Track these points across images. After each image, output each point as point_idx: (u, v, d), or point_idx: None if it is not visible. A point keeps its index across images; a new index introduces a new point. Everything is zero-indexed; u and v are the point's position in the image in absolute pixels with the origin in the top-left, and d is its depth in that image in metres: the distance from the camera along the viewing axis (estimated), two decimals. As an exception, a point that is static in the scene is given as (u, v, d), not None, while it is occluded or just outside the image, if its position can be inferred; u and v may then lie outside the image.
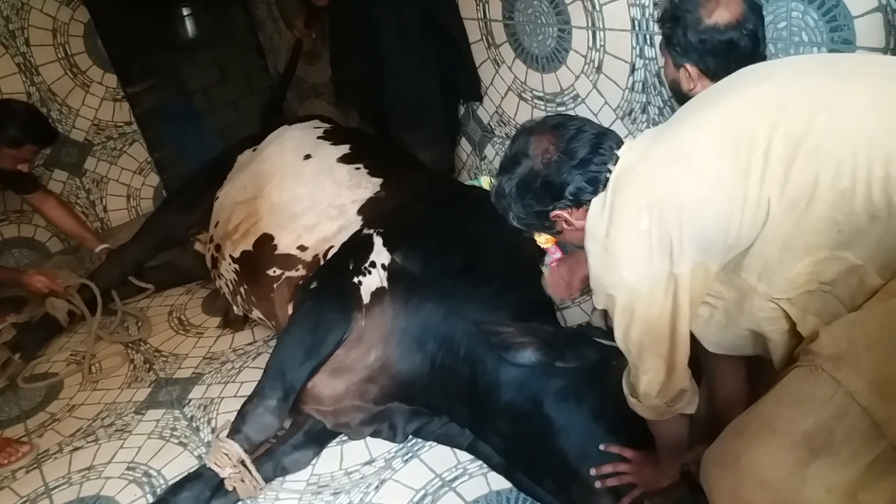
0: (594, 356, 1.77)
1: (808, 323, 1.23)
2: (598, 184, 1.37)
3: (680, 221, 1.23)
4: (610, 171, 1.37)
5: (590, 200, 1.38)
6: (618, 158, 1.37)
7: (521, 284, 2.10)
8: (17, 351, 2.77)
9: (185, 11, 3.96)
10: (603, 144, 1.39)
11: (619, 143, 1.41)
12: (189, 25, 4.01)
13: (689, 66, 1.62)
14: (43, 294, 2.85)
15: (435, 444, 2.07)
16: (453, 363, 1.95)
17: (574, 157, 1.39)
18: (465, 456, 2.01)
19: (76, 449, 2.30)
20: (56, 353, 2.85)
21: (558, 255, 2.52)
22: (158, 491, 2.04)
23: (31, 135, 2.76)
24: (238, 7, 4.12)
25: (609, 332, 1.71)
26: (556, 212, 1.42)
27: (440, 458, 2.03)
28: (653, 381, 1.37)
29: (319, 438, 2.10)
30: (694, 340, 1.44)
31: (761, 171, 1.18)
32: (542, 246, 2.40)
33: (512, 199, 1.46)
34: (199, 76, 4.05)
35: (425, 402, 2.05)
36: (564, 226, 1.45)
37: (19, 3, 3.34)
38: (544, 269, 2.42)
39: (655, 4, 1.99)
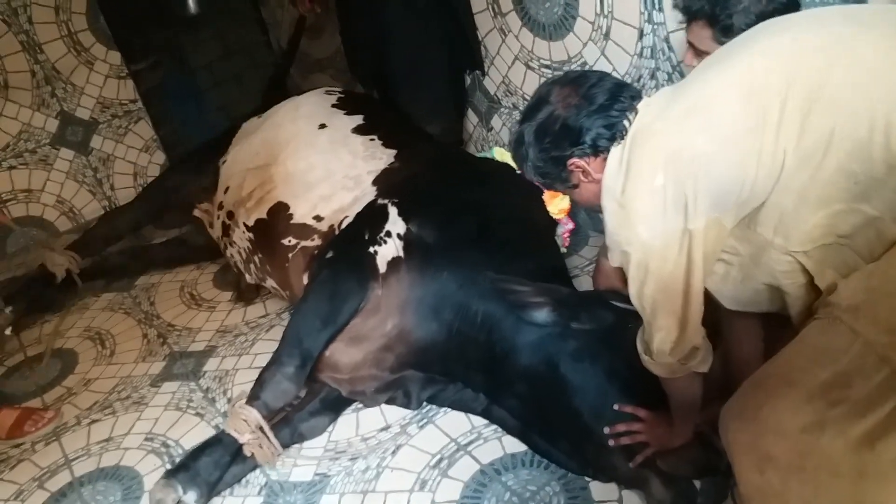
0: (610, 318, 1.79)
1: (826, 276, 1.24)
2: (615, 131, 1.39)
3: (695, 176, 1.24)
4: (628, 121, 1.38)
5: (607, 150, 1.39)
6: (636, 112, 1.38)
7: (535, 252, 2.12)
8: (10, 304, 2.77)
9: (187, -13, 3.94)
10: (622, 94, 1.40)
11: (639, 96, 1.42)
12: (191, 1, 3.99)
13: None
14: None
15: (449, 409, 2.10)
16: (470, 330, 1.96)
17: (593, 103, 1.41)
18: (479, 421, 2.03)
19: (94, 421, 2.33)
20: (70, 328, 2.86)
21: (570, 225, 2.54)
22: (177, 459, 2.07)
23: None
24: (239, -19, 4.09)
25: (625, 296, 1.73)
26: (574, 160, 1.43)
27: (455, 423, 2.05)
28: (666, 339, 1.38)
29: (335, 406, 2.13)
30: (711, 302, 1.46)
31: (777, 124, 1.18)
32: (554, 216, 2.42)
33: (530, 144, 1.47)
34: (201, 52, 4.04)
35: (441, 370, 2.07)
36: (582, 178, 1.46)
37: (21, -20, 3.32)
38: (558, 240, 2.43)
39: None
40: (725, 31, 1.60)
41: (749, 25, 1.53)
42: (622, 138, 1.39)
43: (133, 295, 3.00)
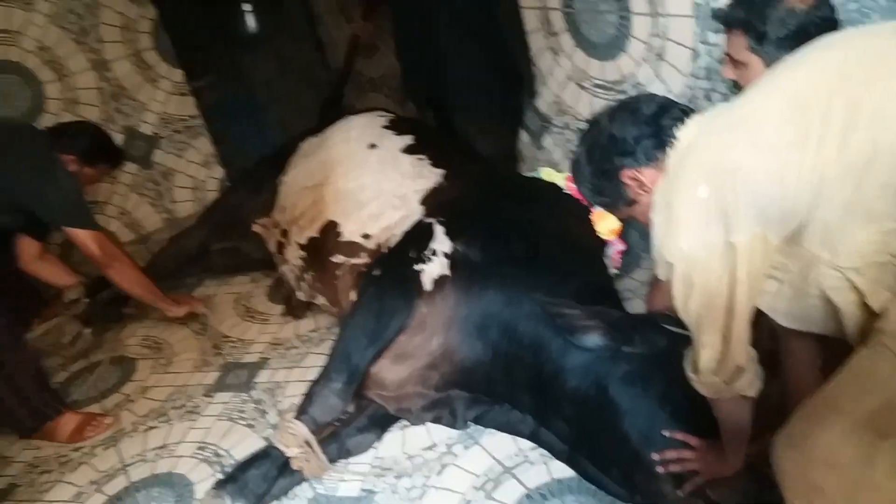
0: (662, 342, 1.76)
1: (880, 297, 1.20)
2: (664, 139, 1.39)
3: (736, 188, 1.23)
4: (678, 131, 1.38)
5: (658, 159, 1.40)
6: (687, 126, 1.39)
7: (584, 272, 2.11)
8: (89, 325, 2.91)
9: (246, 7, 4.06)
10: (671, 108, 1.42)
11: (690, 112, 1.42)
12: (250, 20, 4.12)
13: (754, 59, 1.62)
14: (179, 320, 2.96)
15: (495, 431, 2.09)
16: (516, 350, 1.96)
17: (639, 114, 1.44)
18: (525, 444, 2.03)
19: (150, 428, 2.40)
20: (129, 337, 2.96)
21: (621, 246, 2.51)
22: (227, 469, 2.11)
23: (105, 152, 2.91)
24: (297, 2, 4.19)
25: (678, 320, 1.71)
26: (626, 170, 1.44)
27: (501, 445, 2.05)
28: (711, 357, 1.37)
29: (382, 422, 2.15)
30: (773, 330, 1.43)
31: (819, 137, 1.17)
32: (604, 236, 2.40)
33: (584, 164, 1.50)
34: (260, 70, 4.15)
35: (486, 390, 2.07)
36: (638, 191, 1.46)
37: (91, 1, 3.47)
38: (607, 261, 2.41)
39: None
40: (759, 39, 1.59)
41: (786, 37, 1.54)
42: (672, 148, 1.39)
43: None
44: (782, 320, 1.43)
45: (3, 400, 2.32)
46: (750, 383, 1.43)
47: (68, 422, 2.41)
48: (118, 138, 3.65)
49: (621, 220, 1.71)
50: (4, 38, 3.35)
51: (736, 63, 1.69)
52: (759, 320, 1.43)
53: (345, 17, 3.89)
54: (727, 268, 1.28)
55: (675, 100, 2.24)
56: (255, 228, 2.98)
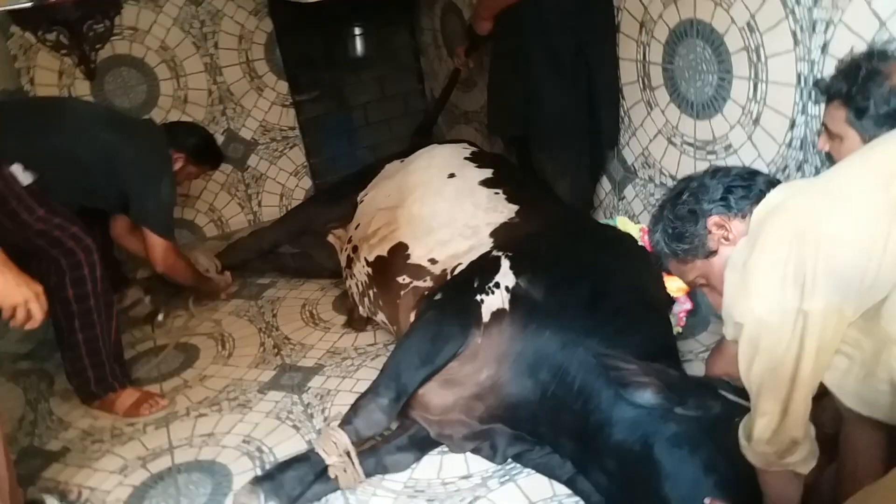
0: (716, 408, 1.71)
1: None
2: (754, 192, 1.39)
3: (817, 256, 1.20)
4: (767, 190, 1.38)
5: (748, 213, 1.39)
6: (775, 191, 1.39)
7: (645, 327, 2.06)
8: (150, 293, 3.15)
9: (357, 31, 4.24)
10: (757, 173, 1.44)
11: (776, 181, 1.42)
12: (358, 44, 4.29)
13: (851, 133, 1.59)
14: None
15: (533, 471, 2.06)
16: (566, 395, 1.93)
17: (731, 171, 1.48)
18: (561, 489, 1.98)
19: (201, 415, 2.48)
20: (198, 326, 3.08)
21: (688, 306, 2.45)
22: (267, 466, 2.16)
23: (211, 154, 3.18)
24: (405, 31, 4.34)
25: (736, 387, 1.66)
26: (714, 216, 1.44)
27: (537, 486, 2.01)
28: (766, 426, 1.32)
29: (422, 445, 2.15)
30: (836, 412, 1.38)
31: None
32: (672, 294, 2.35)
33: (668, 206, 1.51)
34: (360, 92, 4.30)
35: (530, 429, 2.04)
36: (722, 240, 1.45)
37: (215, 9, 3.70)
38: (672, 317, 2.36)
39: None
40: (859, 113, 1.55)
41: (886, 114, 1.50)
42: (757, 202, 1.39)
43: (259, 305, 3.19)
44: (848, 401, 1.37)
45: (81, 358, 2.44)
46: (803, 459, 1.37)
47: (128, 397, 2.51)
48: (219, 139, 3.85)
49: (689, 284, 1.68)
50: (132, 34, 3.60)
51: (832, 135, 1.66)
52: (823, 399, 1.37)
53: (447, 51, 4.00)
54: (797, 336, 1.24)
55: (767, 166, 2.24)
56: (330, 238, 3.08)
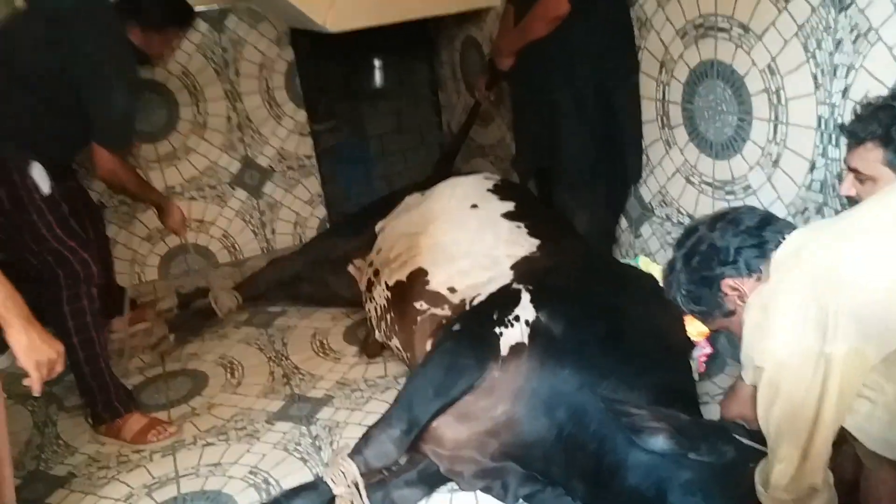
0: (731, 454, 1.66)
1: None
2: (766, 249, 1.36)
3: (839, 299, 1.19)
4: (780, 241, 1.35)
5: (761, 271, 1.36)
6: (793, 234, 1.36)
7: (663, 369, 2.03)
8: (174, 331, 3.05)
9: (377, 63, 4.29)
10: (773, 221, 1.42)
11: (792, 227, 1.40)
12: (377, 76, 4.34)
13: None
14: (172, 230, 2.98)
15: (545, 513, 2.02)
16: (581, 436, 1.90)
17: (741, 224, 1.43)
18: (574, 532, 1.94)
19: (208, 444, 2.45)
20: (207, 353, 3.06)
21: (708, 350, 2.42)
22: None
23: (171, 14, 2.69)
24: (424, 65, 4.39)
25: (751, 431, 1.63)
26: (727, 280, 1.42)
27: (548, 528, 1.97)
28: (785, 472, 1.30)
29: (432, 481, 2.11)
30: (855, 455, 1.35)
31: None
32: (693, 338, 2.33)
33: (680, 270, 1.49)
34: (377, 123, 4.34)
35: (543, 469, 2.00)
36: (738, 301, 1.43)
37: (237, 37, 3.75)
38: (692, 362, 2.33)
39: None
40: None
41: None
42: (775, 253, 1.36)
43: (269, 333, 3.17)
44: (871, 444, 1.34)
45: (90, 378, 2.43)
46: None
47: (135, 423, 2.49)
48: (236, 165, 3.88)
49: (713, 330, 1.68)
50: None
51: (863, 178, 1.63)
52: (842, 444, 1.34)
53: (466, 85, 4.03)
54: (819, 379, 1.22)
55: (786, 208, 2.22)
56: (350, 269, 3.08)
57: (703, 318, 1.63)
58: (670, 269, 1.58)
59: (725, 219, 1.51)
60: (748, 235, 1.44)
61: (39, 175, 2.27)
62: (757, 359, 1.31)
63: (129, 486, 2.28)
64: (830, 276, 1.22)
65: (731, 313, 1.50)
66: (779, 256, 1.38)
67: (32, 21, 2.43)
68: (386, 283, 2.60)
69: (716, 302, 1.50)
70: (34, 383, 1.58)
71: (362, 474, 1.94)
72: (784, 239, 1.40)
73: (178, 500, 2.19)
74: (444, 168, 3.63)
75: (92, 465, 2.39)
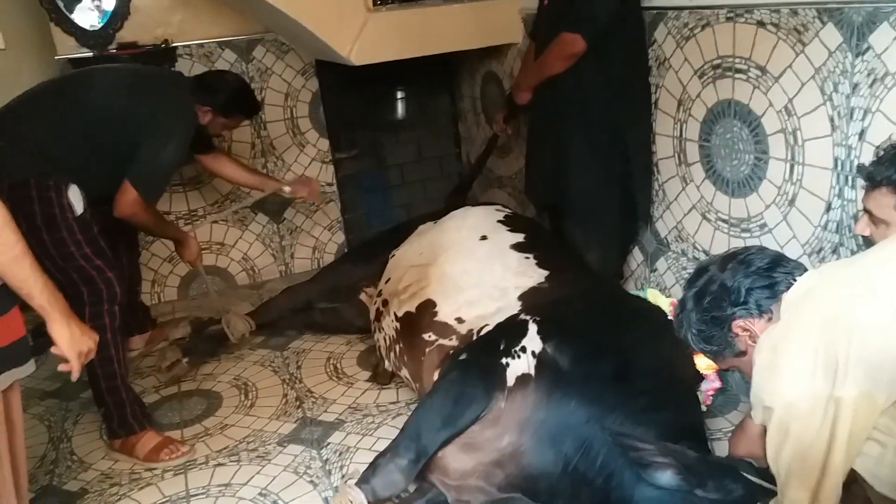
0: (738, 491, 1.66)
1: None
2: (777, 290, 1.37)
3: (849, 343, 1.19)
4: (791, 283, 1.36)
5: (772, 312, 1.37)
6: (801, 277, 1.37)
7: (671, 404, 2.02)
8: (188, 355, 3.07)
9: (399, 94, 4.36)
10: (784, 262, 1.41)
11: (802, 268, 1.40)
12: (399, 107, 4.41)
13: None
14: (187, 262, 3.12)
15: (550, 546, 2.01)
16: (587, 470, 1.89)
17: (751, 265, 1.44)
18: (579, 566, 1.93)
19: (219, 465, 2.47)
20: (222, 374, 3.10)
21: (717, 384, 2.41)
22: (281, 522, 2.14)
23: (241, 106, 2.94)
24: (446, 97, 4.46)
25: (759, 469, 1.62)
26: (738, 321, 1.42)
27: (554, 561, 1.96)
28: None
29: (439, 511, 2.11)
30: (866, 498, 1.33)
31: None
32: (702, 371, 2.32)
33: (691, 310, 1.49)
34: (398, 153, 4.40)
35: (548, 502, 1.99)
36: (749, 341, 1.44)
37: (264, 66, 3.84)
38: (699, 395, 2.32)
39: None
40: None
41: None
42: (786, 294, 1.37)
43: (284, 356, 3.21)
44: (881, 487, 1.33)
45: (106, 394, 2.47)
46: None
47: (149, 441, 2.52)
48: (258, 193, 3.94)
49: (723, 369, 1.68)
50: (184, 86, 3.74)
51: (877, 221, 1.65)
52: (851, 484, 1.33)
53: (486, 118, 4.09)
54: (828, 423, 1.22)
55: (802, 247, 2.23)
56: (362, 297, 3.11)
57: (714, 357, 1.64)
58: (681, 307, 1.59)
59: (736, 259, 1.52)
60: (759, 276, 1.45)
61: (75, 196, 2.35)
62: (767, 399, 1.32)
63: (139, 503, 2.30)
64: (841, 320, 1.23)
65: (742, 353, 1.50)
66: (790, 298, 1.38)
67: (121, 70, 2.84)
68: (395, 314, 2.63)
69: (726, 342, 1.51)
70: (74, 371, 1.70)
71: (369, 502, 1.94)
72: (795, 280, 1.41)
73: (188, 519, 2.21)
74: (457, 198, 3.68)
75: (104, 482, 2.42)
